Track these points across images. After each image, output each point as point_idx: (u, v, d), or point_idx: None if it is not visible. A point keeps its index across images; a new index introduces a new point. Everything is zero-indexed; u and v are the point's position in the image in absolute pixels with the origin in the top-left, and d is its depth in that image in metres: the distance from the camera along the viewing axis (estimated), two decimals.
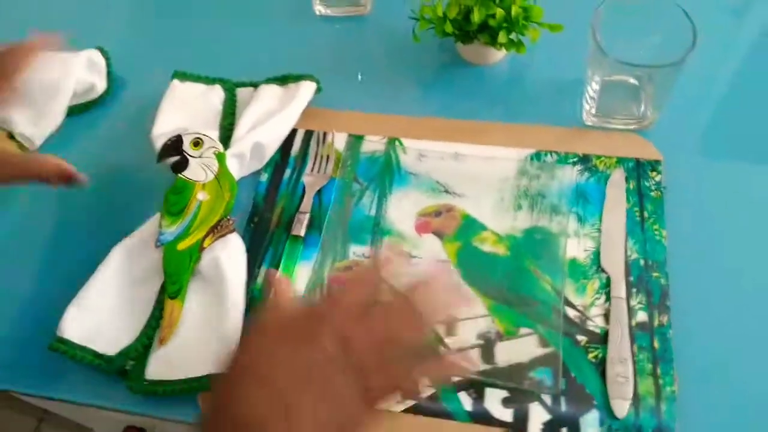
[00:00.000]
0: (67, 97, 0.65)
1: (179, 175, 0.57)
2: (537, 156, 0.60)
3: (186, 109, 0.63)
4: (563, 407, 0.48)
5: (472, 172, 0.60)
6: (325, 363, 0.35)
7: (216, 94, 0.65)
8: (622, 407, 0.47)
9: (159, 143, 0.59)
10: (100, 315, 0.53)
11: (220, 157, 0.58)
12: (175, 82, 0.65)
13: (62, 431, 1.03)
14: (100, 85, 0.68)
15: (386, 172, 0.61)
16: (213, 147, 0.58)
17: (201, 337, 0.52)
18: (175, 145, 0.58)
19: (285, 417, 0.33)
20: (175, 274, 0.53)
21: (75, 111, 0.67)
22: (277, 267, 0.56)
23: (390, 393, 0.38)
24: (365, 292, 0.40)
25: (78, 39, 0.66)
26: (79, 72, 0.66)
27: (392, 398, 0.38)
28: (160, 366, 0.51)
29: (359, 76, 0.68)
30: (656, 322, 0.50)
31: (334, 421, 0.34)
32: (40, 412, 0.97)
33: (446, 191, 0.59)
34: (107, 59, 0.69)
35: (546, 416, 0.48)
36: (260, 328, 0.39)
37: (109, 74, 0.69)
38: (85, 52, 0.68)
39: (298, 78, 0.64)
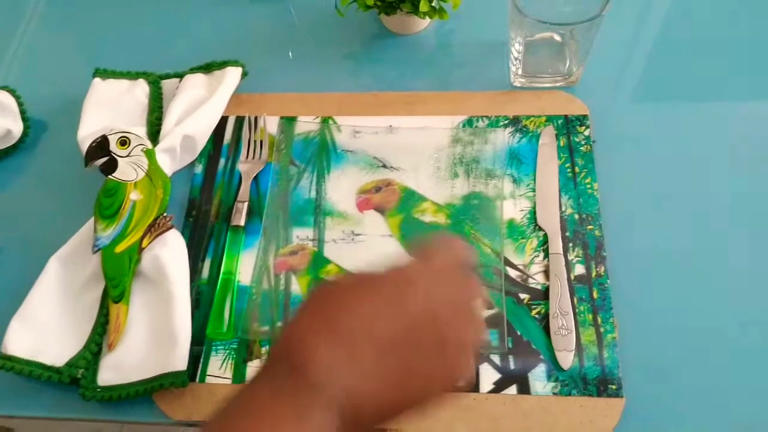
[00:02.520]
0: None
1: (109, 176, 0.56)
2: (469, 122, 0.60)
3: (110, 107, 0.62)
4: (512, 365, 0.49)
5: (407, 144, 0.60)
6: (407, 329, 0.32)
7: (140, 89, 0.63)
8: (566, 359, 0.49)
9: (85, 146, 0.57)
10: (44, 327, 0.52)
11: (150, 154, 0.57)
12: (96, 80, 0.63)
13: None
14: (16, 128, 0.63)
15: (322, 152, 0.60)
16: (141, 144, 0.57)
17: (150, 338, 0.51)
18: (101, 146, 0.56)
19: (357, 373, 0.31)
20: (116, 277, 0.53)
21: None
22: (220, 259, 0.55)
23: (465, 366, 0.34)
24: (452, 257, 0.37)
25: None
26: None
27: (465, 373, 0.34)
28: (112, 371, 0.51)
29: (290, 54, 0.68)
30: (594, 274, 0.52)
31: (405, 386, 0.32)
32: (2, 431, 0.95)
33: (384, 166, 0.59)
34: (18, 100, 0.64)
35: (496, 375, 0.49)
36: (343, 285, 0.35)
37: (24, 116, 0.64)
38: None
39: (222, 64, 0.63)
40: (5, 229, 0.60)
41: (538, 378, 0.49)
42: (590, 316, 0.50)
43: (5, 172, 0.63)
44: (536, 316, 0.51)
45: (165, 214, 0.55)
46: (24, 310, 0.53)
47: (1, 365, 0.50)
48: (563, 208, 0.55)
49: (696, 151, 0.58)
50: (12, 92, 0.64)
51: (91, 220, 0.55)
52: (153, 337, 0.51)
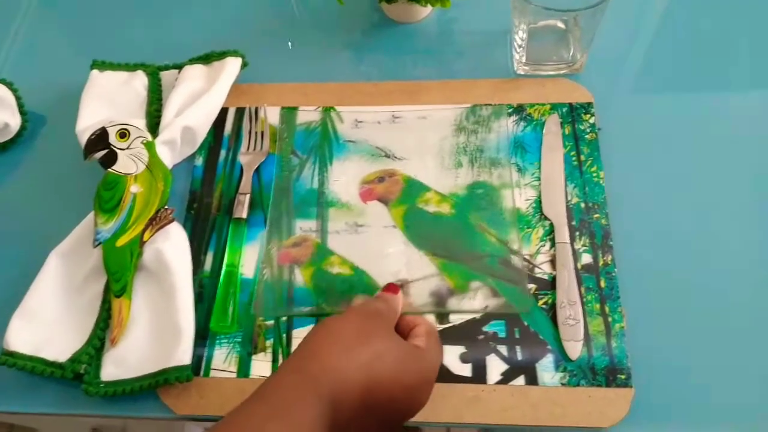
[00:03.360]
0: None
1: (109, 169, 0.55)
2: (472, 111, 0.60)
3: (109, 99, 0.61)
4: (519, 356, 0.49)
5: (410, 133, 0.59)
6: (391, 348, 0.40)
7: (139, 81, 0.63)
8: (575, 349, 0.48)
9: (84, 138, 0.56)
10: (46, 323, 0.52)
11: (150, 146, 0.56)
12: (95, 72, 0.62)
13: None
14: (14, 122, 0.62)
15: (324, 143, 0.60)
16: (141, 136, 0.56)
17: (153, 332, 0.51)
18: (100, 138, 0.55)
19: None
20: (118, 271, 0.52)
21: None
22: (222, 251, 0.55)
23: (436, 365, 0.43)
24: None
25: None
26: None
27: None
28: (115, 366, 0.50)
29: (290, 45, 0.67)
30: (601, 263, 0.52)
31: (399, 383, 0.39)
32: (6, 428, 0.94)
33: (386, 156, 0.58)
34: (15, 93, 0.63)
35: (503, 366, 0.49)
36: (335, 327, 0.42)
37: (22, 110, 0.63)
38: None
39: (222, 55, 0.62)
40: (4, 224, 0.60)
41: (546, 369, 0.48)
42: (598, 306, 0.50)
43: (3, 167, 0.63)
44: (543, 306, 0.51)
45: (166, 207, 0.55)
46: (25, 306, 0.52)
47: (4, 361, 0.50)
48: (569, 197, 0.55)
49: (702, 138, 0.57)
50: (9, 85, 0.63)
51: (91, 213, 0.54)
52: (156, 331, 0.51)
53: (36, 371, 0.50)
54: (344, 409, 0.36)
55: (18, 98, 0.63)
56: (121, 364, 0.50)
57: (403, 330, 0.45)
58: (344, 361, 0.37)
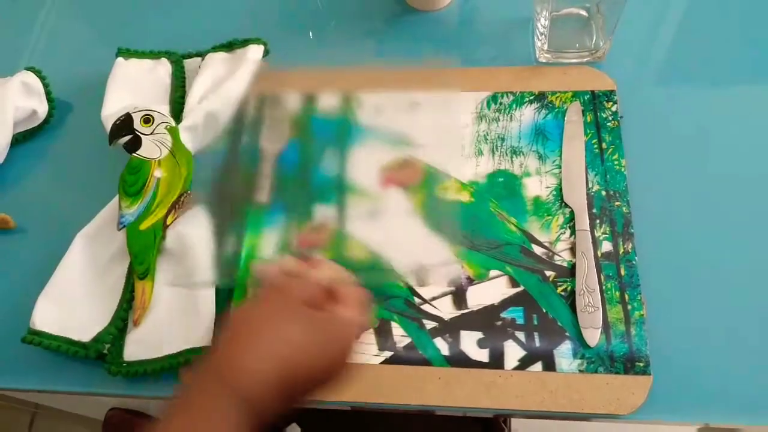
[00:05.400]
0: (8, 128, 0.61)
1: (133, 154, 0.56)
2: (494, 98, 0.59)
3: (134, 86, 0.62)
4: (537, 342, 0.49)
5: (430, 121, 0.59)
6: (298, 327, 0.39)
7: (163, 68, 0.63)
8: (593, 336, 0.48)
9: (109, 124, 0.57)
10: (71, 303, 0.53)
11: (173, 132, 0.57)
12: (120, 60, 0.63)
13: (55, 422, 1.04)
14: (41, 109, 0.63)
15: (344, 129, 0.60)
16: (164, 122, 0.57)
17: (175, 314, 0.52)
18: (124, 124, 0.56)
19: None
20: (141, 254, 0.53)
21: (19, 139, 0.63)
22: (243, 235, 0.55)
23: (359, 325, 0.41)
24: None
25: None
26: (16, 99, 0.61)
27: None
28: (137, 347, 0.51)
29: (310, 34, 0.67)
30: (621, 251, 0.51)
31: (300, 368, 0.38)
32: (32, 406, 0.97)
33: (406, 143, 0.59)
34: (43, 81, 0.64)
35: (521, 352, 0.49)
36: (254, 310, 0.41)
37: (49, 96, 0.64)
38: (17, 75, 0.63)
39: (244, 42, 0.63)
40: (32, 209, 0.61)
41: (564, 355, 0.48)
42: (617, 294, 0.50)
43: (32, 152, 0.64)
44: (562, 293, 0.50)
45: (189, 192, 0.56)
46: (51, 287, 0.53)
47: (30, 340, 0.51)
48: (590, 185, 0.54)
49: (725, 127, 0.56)
50: (37, 73, 0.65)
51: (116, 197, 0.55)
52: (178, 312, 0.52)
53: (60, 350, 0.51)
54: (265, 403, 0.36)
55: (46, 86, 0.64)
56: (143, 344, 0.51)
57: (324, 298, 0.42)
58: (255, 359, 0.37)
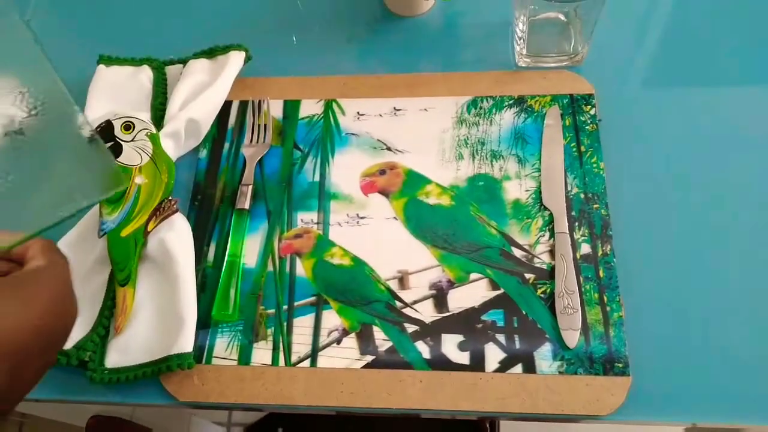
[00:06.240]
0: None
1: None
2: (474, 103, 0.60)
3: (115, 92, 0.62)
4: (517, 344, 0.49)
5: (411, 126, 0.60)
6: None
7: (145, 75, 0.63)
8: (572, 337, 0.49)
9: None
10: None
11: (154, 139, 0.57)
12: (101, 67, 0.63)
13: (42, 431, 1.03)
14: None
15: (326, 136, 0.60)
16: (145, 129, 0.57)
17: (156, 321, 0.52)
18: (105, 131, 0.56)
19: None
20: (122, 261, 0.53)
21: None
22: (225, 242, 0.55)
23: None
24: None
25: None
26: None
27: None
28: (119, 354, 0.51)
29: (294, 39, 0.67)
30: (600, 253, 0.52)
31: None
32: (18, 416, 0.96)
33: (388, 148, 0.59)
34: None
35: (501, 355, 0.49)
36: None
37: None
38: None
39: (226, 49, 0.63)
40: None
41: (544, 357, 0.49)
42: (596, 295, 0.50)
43: None
44: (541, 295, 0.51)
45: (170, 198, 0.56)
46: None
47: None
48: (569, 188, 0.55)
49: (703, 130, 0.57)
50: None
51: (97, 204, 0.55)
52: (159, 319, 0.52)
53: None
54: None
55: None
56: (125, 351, 0.51)
57: (6, 267, 0.40)
58: None
